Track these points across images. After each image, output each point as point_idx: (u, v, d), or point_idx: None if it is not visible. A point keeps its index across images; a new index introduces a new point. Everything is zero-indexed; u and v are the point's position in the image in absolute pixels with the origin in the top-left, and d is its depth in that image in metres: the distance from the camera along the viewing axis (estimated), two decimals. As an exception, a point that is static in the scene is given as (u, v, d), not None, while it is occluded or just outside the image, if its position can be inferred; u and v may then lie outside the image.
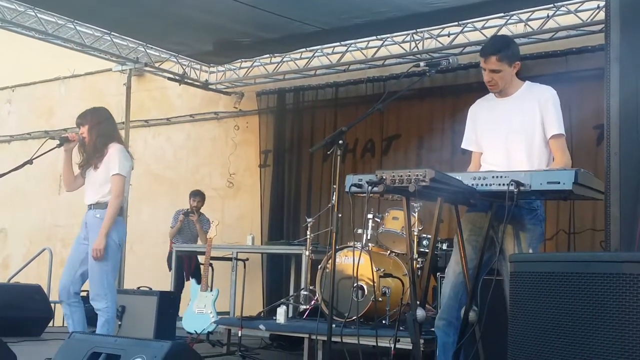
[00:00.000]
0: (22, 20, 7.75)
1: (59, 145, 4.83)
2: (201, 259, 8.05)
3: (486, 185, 3.20)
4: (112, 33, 8.26)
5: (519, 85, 3.68)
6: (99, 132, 4.88)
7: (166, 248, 8.74)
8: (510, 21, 7.08)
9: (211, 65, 9.45)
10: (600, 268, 2.23)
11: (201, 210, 8.66)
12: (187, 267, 8.39)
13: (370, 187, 3.18)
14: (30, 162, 4.57)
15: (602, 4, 6.42)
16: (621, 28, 2.83)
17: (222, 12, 7.03)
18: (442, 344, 3.60)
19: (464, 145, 3.90)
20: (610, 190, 2.76)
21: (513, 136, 3.60)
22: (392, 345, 4.39)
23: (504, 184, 3.14)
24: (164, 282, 8.18)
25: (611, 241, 2.71)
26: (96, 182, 4.85)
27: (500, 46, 3.63)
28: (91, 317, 4.90)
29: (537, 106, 3.57)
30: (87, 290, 4.90)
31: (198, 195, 8.63)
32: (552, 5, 6.75)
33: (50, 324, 7.36)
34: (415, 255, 5.77)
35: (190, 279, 7.82)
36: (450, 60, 3.71)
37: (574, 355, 2.24)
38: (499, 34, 6.93)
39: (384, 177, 3.12)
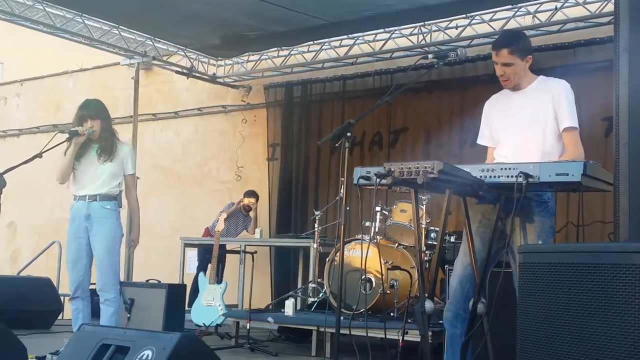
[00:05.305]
0: (30, 14, 7.78)
1: (69, 139, 4.84)
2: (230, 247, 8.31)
3: (494, 177, 3.18)
4: (120, 27, 8.28)
5: (533, 79, 3.67)
6: (110, 129, 5.00)
7: (173, 241, 8.76)
8: (518, 13, 7.05)
9: (219, 58, 9.46)
10: (609, 259, 2.21)
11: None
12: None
13: (378, 180, 3.17)
14: (39, 155, 4.57)
15: (610, -5, 6.39)
16: (630, 18, 2.81)
17: (229, 5, 7.04)
18: (450, 335, 3.62)
19: (479, 141, 3.90)
20: (619, 181, 2.74)
21: (526, 129, 3.59)
22: (400, 338, 4.41)
23: (512, 176, 3.12)
24: (172, 274, 8.21)
25: (620, 232, 2.69)
26: (104, 174, 4.89)
27: (512, 39, 3.63)
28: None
29: (551, 99, 3.56)
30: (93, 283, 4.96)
31: (253, 195, 8.64)
32: (560, -4, 6.73)
33: (60, 316, 7.41)
34: (423, 248, 5.77)
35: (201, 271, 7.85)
36: (459, 52, 3.71)
37: (582, 346, 2.23)
38: (507, 26, 6.91)
39: (392, 170, 3.11)
